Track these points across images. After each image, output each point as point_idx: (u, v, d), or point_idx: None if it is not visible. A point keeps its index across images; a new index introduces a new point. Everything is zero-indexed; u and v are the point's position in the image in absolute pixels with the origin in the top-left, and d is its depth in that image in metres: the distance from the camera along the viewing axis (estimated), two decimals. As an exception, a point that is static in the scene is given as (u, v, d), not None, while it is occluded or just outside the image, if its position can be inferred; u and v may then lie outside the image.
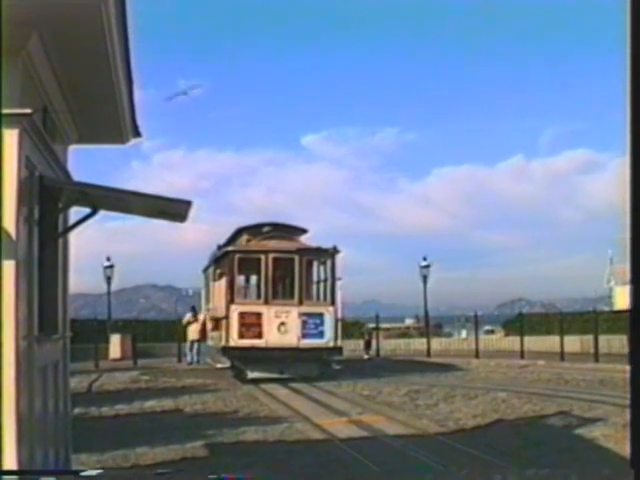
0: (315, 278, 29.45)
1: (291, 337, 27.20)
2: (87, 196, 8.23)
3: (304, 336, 27.27)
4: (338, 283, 28.08)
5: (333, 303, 27.90)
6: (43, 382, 7.97)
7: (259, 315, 27.38)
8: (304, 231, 30.11)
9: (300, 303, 27.69)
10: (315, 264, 29.21)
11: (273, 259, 27.88)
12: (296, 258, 27.93)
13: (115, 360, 38.52)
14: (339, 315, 27.99)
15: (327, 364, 28.34)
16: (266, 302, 27.68)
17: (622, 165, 5.44)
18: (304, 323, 27.39)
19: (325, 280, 28.48)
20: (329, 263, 28.29)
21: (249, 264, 29.10)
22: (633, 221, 5.33)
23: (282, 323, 27.27)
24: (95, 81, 8.28)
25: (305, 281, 28.44)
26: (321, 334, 27.42)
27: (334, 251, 28.28)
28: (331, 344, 27.60)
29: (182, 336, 36.85)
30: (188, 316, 36.87)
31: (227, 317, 27.42)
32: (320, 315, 27.61)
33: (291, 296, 28.09)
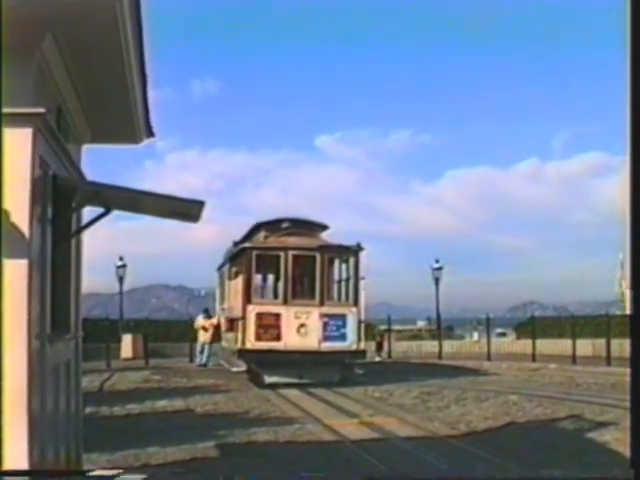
0: (337, 277, 28.23)
1: (311, 339, 25.84)
2: (100, 196, 8.25)
3: (325, 339, 25.92)
4: (361, 282, 26.73)
5: (356, 304, 26.53)
6: (55, 381, 7.99)
7: (277, 316, 26.02)
8: (325, 227, 28.58)
9: (321, 304, 26.31)
10: (337, 262, 28.01)
11: (293, 256, 26.54)
12: (317, 256, 26.57)
13: (127, 360, 38.60)
14: (362, 316, 26.63)
15: (349, 368, 27.21)
16: (285, 302, 26.30)
17: (625, 168, 5.43)
18: (325, 325, 26.03)
19: (347, 279, 27.20)
20: (352, 261, 26.93)
21: (267, 262, 27.80)
22: (633, 225, 5.31)
23: (302, 325, 25.92)
24: (109, 81, 8.30)
25: (327, 280, 27.12)
26: (343, 336, 26.07)
27: (358, 248, 26.95)
28: (354, 347, 26.19)
29: (194, 337, 36.67)
30: (200, 319, 36.42)
31: (243, 318, 26.08)
32: (342, 316, 26.25)
33: (312, 296, 26.66)
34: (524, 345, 41.86)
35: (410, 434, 15.48)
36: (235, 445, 14.19)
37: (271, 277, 31.19)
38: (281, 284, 27.04)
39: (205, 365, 34.37)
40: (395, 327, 48.87)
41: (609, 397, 20.95)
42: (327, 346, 25.86)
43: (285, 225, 27.47)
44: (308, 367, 25.48)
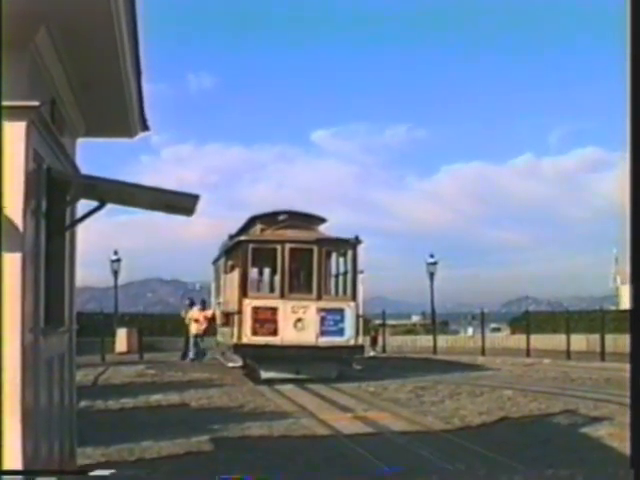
0: (334, 271, 27.72)
1: (309, 334, 25.26)
2: (95, 189, 8.23)
3: (323, 333, 25.32)
4: (360, 276, 26.25)
5: (354, 298, 25.97)
6: (49, 375, 7.98)
7: (274, 310, 25.46)
8: (322, 220, 27.96)
9: (319, 298, 25.76)
10: (334, 255, 27.53)
11: (290, 250, 25.91)
12: (315, 249, 25.99)
13: (121, 354, 38.56)
14: (360, 311, 26.18)
15: (347, 364, 26.37)
16: (282, 296, 25.73)
17: (625, 164, 5.43)
18: (323, 319, 25.42)
19: (345, 273, 26.71)
20: (350, 254, 26.38)
21: (264, 255, 27.18)
22: (633, 221, 5.31)
23: (299, 319, 25.35)
24: (103, 74, 8.28)
25: (324, 274, 26.52)
26: (341, 331, 25.47)
27: (356, 241, 26.40)
28: (352, 342, 25.62)
29: (187, 330, 36.25)
30: (194, 310, 35.93)
31: (239, 312, 25.54)
32: (340, 311, 25.67)
33: (309, 290, 26.12)
34: (518, 340, 41.89)
35: (404, 428, 15.49)
36: (229, 439, 14.19)
37: (267, 270, 30.83)
38: (278, 278, 26.58)
39: (197, 358, 33.86)
40: (390, 322, 48.77)
41: (603, 392, 20.99)
42: (324, 341, 25.36)
43: (282, 218, 26.94)
44: (305, 362, 25.07)
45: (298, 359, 25.07)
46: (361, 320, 26.40)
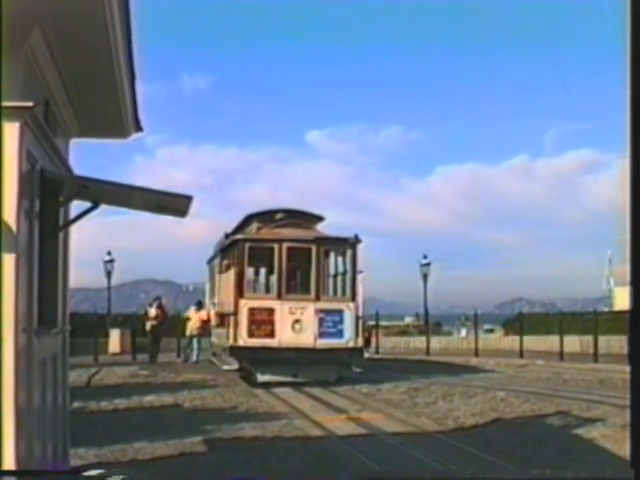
0: (333, 270, 27.17)
1: (307, 336, 24.71)
2: (88, 190, 8.22)
3: (321, 335, 24.75)
4: (359, 276, 25.61)
5: (354, 299, 25.36)
6: (42, 375, 7.96)
7: (271, 311, 24.88)
8: (320, 218, 27.45)
9: (317, 298, 25.18)
10: (333, 255, 27.03)
11: (287, 249, 25.30)
12: (313, 248, 25.37)
13: (114, 354, 38.45)
14: (360, 312, 25.55)
15: (347, 367, 25.77)
16: (279, 297, 25.17)
17: (624, 166, 5.44)
18: (321, 321, 24.86)
19: (344, 273, 26.12)
20: (349, 254, 25.83)
21: (260, 254, 26.50)
22: (633, 221, 5.32)
23: (297, 320, 24.78)
24: (97, 75, 8.27)
25: (322, 274, 26.02)
26: (340, 333, 24.89)
27: (355, 240, 25.78)
28: (351, 344, 24.97)
29: (182, 331, 36.21)
30: (191, 310, 35.69)
31: (235, 313, 24.95)
32: (339, 312, 25.08)
33: (307, 290, 25.57)
34: (512, 341, 41.91)
35: (397, 430, 15.51)
36: (222, 440, 14.18)
37: (264, 270, 30.41)
38: (275, 278, 26.05)
39: (196, 361, 33.75)
40: (383, 323, 48.72)
41: (596, 393, 21.04)
42: (323, 343, 24.78)
43: (279, 216, 26.41)
44: (303, 365, 24.55)
45: (296, 362, 24.54)
46: (360, 321, 25.68)
